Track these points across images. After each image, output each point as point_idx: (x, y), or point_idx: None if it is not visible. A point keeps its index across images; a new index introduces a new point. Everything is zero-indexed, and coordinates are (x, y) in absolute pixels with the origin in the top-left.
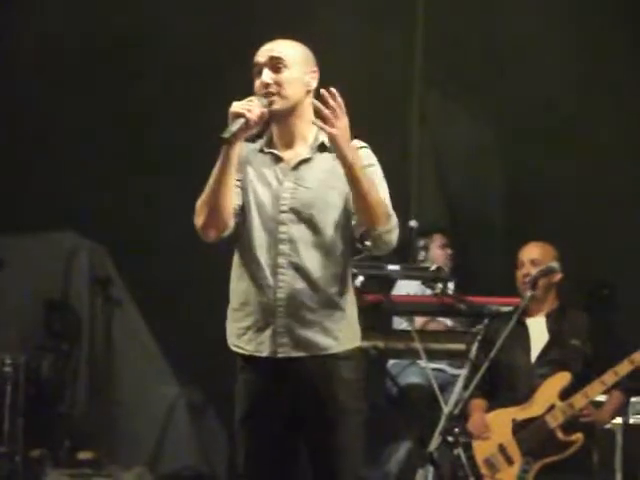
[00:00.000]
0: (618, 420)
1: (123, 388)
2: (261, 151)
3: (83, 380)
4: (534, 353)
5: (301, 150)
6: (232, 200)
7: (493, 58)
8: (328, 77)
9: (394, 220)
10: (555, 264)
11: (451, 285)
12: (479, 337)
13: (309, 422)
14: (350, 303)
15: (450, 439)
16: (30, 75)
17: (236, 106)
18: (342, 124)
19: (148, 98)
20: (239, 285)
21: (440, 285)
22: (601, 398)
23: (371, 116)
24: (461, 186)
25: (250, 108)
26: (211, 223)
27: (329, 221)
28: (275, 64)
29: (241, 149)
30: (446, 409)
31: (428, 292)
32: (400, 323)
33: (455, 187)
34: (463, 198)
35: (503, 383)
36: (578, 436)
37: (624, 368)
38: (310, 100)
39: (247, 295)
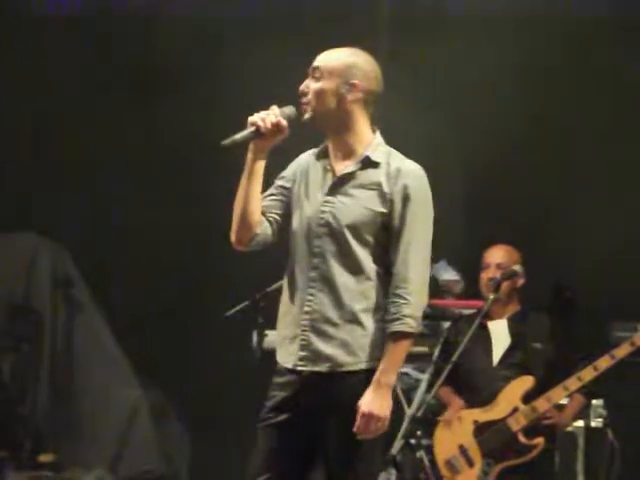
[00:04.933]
0: (580, 423)
1: (84, 390)
2: (317, 159)
3: (44, 382)
4: (496, 356)
5: (349, 163)
6: (256, 211)
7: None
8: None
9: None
10: (518, 268)
11: None
12: (442, 339)
13: (325, 437)
14: (376, 322)
15: (413, 442)
16: None
17: (254, 115)
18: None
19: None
20: (284, 294)
21: None
22: (563, 401)
23: None
24: None
25: (264, 117)
26: (235, 231)
27: (360, 238)
28: (314, 73)
29: (302, 157)
30: (409, 412)
31: None
32: None
33: None
34: None
35: (465, 385)
36: (539, 440)
37: (588, 374)
38: (358, 113)
39: (287, 305)
